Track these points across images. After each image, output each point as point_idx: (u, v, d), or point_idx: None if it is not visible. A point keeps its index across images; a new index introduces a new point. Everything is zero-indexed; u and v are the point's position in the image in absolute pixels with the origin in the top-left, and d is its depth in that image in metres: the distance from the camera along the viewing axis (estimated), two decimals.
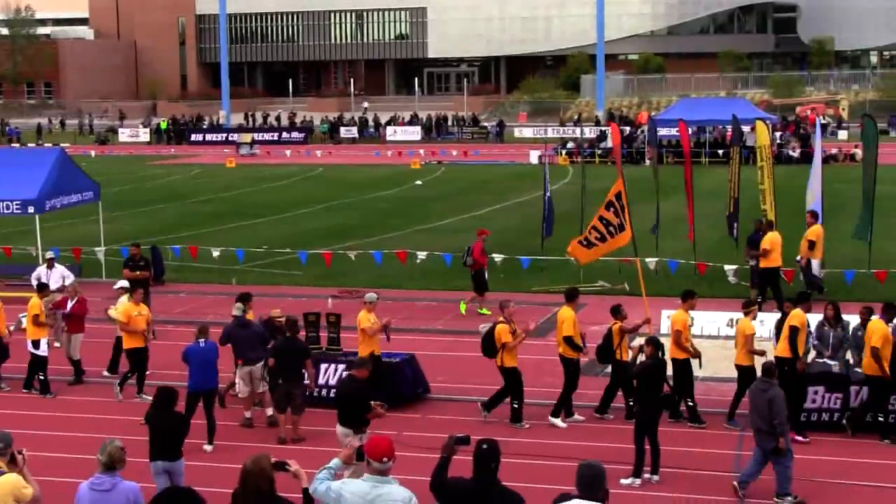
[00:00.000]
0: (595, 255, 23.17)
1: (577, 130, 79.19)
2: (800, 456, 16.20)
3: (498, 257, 31.25)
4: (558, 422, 18.92)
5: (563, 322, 19.08)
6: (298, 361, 18.37)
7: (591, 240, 22.36)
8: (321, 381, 20.20)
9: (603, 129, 74.77)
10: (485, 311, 27.18)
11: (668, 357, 18.79)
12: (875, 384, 17.93)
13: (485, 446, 10.09)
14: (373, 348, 19.45)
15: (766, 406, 15.47)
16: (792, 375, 17.88)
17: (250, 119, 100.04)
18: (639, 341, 18.45)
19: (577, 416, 19.23)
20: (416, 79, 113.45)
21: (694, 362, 18.89)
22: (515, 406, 18.88)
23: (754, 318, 18.92)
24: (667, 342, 19.04)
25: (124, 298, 21.59)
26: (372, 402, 15.28)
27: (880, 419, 17.98)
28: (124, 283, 23.04)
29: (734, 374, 19.24)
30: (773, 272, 26.97)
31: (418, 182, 57.20)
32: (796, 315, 18.45)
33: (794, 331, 18.27)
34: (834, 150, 64.28)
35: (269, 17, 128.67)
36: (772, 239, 27.12)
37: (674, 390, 18.83)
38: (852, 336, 19.14)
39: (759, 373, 16.39)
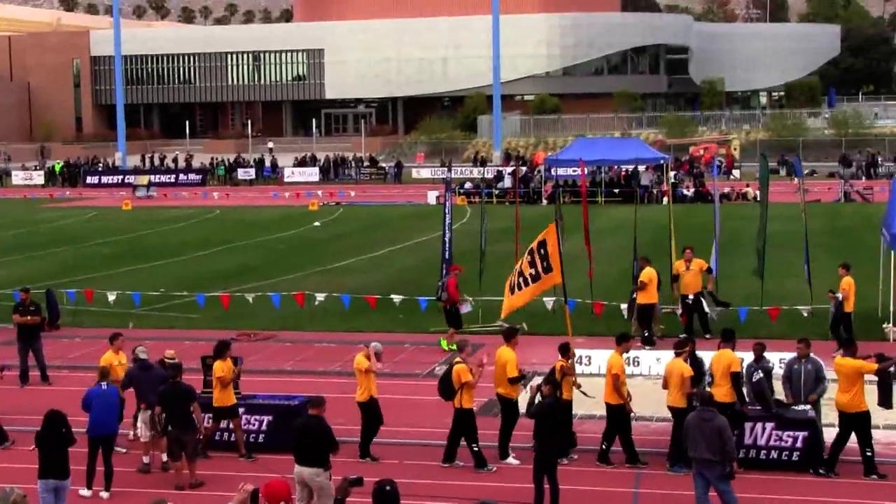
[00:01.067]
0: (517, 303, 21.45)
1: (475, 171, 79.65)
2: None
3: (396, 298, 31.30)
4: (511, 460, 18.97)
5: (506, 363, 19.10)
6: (185, 406, 18.15)
7: (516, 285, 21.00)
8: (222, 424, 19.99)
9: (500, 168, 75.32)
10: (445, 343, 27.36)
11: (602, 401, 18.89)
12: (859, 419, 18.11)
13: (387, 487, 10.08)
14: (371, 391, 19.34)
15: (716, 435, 15.66)
16: (733, 418, 17.66)
17: (147, 161, 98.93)
18: (536, 380, 18.61)
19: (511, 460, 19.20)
20: (314, 120, 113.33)
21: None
22: (475, 449, 18.79)
23: (686, 360, 18.71)
24: (590, 383, 19.28)
25: None
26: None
27: (868, 454, 18.16)
28: None
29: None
30: (650, 308, 27.56)
31: (316, 223, 57.03)
32: (733, 359, 18.68)
33: (736, 376, 18.50)
34: (727, 189, 65.46)
35: (165, 58, 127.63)
36: (650, 274, 27.65)
37: (606, 434, 18.91)
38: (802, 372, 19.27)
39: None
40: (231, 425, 19.60)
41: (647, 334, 27.26)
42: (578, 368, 23.65)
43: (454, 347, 26.75)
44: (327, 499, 15.20)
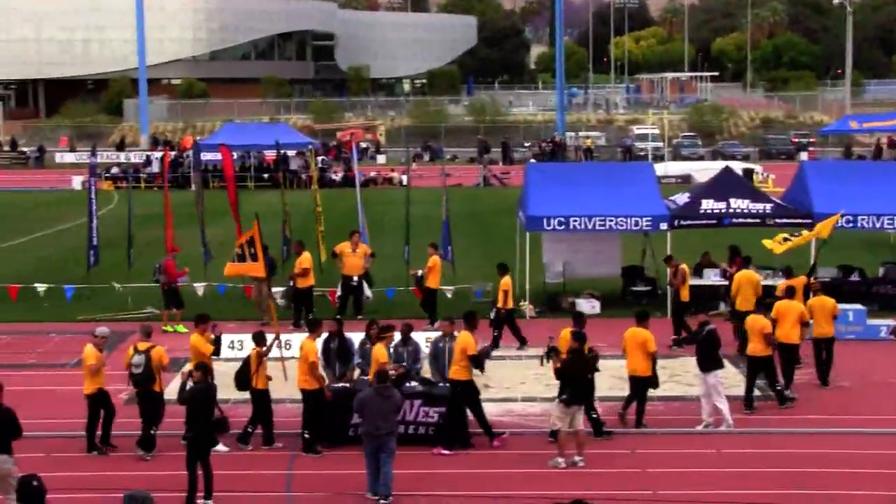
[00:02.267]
0: (238, 271, 23.99)
1: (122, 156, 77.69)
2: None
3: (41, 287, 30.29)
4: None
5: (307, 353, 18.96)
6: None
7: (244, 254, 22.84)
8: None
9: (148, 153, 73.83)
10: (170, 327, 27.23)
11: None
12: None
13: (34, 483, 9.87)
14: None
15: (394, 409, 16.86)
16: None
17: None
18: (188, 367, 18.50)
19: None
20: None
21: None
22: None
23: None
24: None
25: None
26: None
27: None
28: None
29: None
30: (309, 291, 28.15)
31: None
32: (468, 342, 19.24)
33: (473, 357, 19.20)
34: (373, 174, 66.82)
35: None
36: (309, 259, 28.16)
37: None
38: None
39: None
40: None
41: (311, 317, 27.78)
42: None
43: (179, 329, 26.82)
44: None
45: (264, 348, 19.30)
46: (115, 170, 67.80)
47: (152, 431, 18.52)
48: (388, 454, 16.69)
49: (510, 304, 25.63)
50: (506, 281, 25.65)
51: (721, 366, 20.17)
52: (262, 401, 19.04)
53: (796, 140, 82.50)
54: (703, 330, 20.12)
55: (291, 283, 28.39)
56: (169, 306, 27.95)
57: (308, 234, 33.04)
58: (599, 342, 21.26)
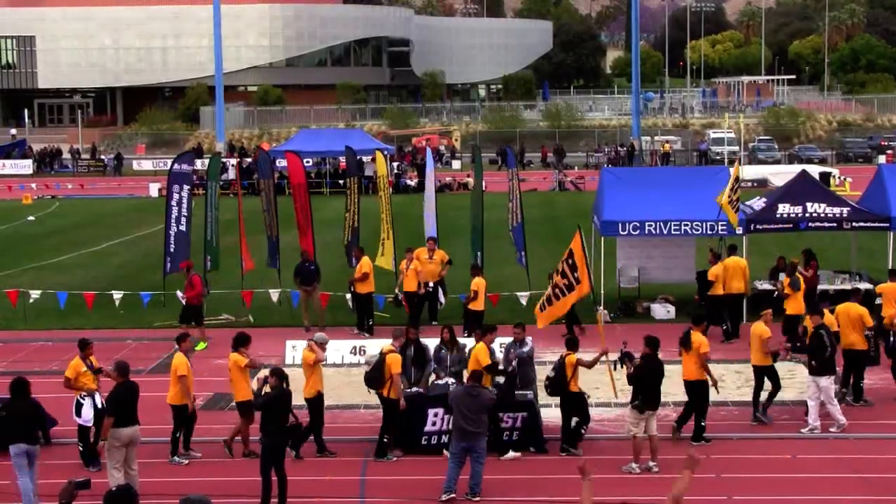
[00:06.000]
0: (550, 318, 21.30)
1: (199, 163, 78.30)
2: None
3: (117, 294, 30.60)
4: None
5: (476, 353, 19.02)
6: None
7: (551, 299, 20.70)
8: None
9: (224, 160, 74.42)
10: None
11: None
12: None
13: (114, 489, 9.98)
14: (318, 386, 19.00)
15: (484, 409, 17.04)
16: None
17: None
18: (263, 373, 18.58)
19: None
20: (26, 110, 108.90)
21: None
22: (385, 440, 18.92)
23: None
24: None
25: None
26: None
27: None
28: None
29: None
30: (368, 297, 28.34)
31: (30, 218, 54.98)
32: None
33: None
34: (448, 179, 66.85)
35: None
36: (369, 264, 28.33)
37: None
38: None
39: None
40: None
41: (370, 323, 27.85)
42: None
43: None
44: None
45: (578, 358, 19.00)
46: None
47: (385, 439, 18.83)
48: (478, 454, 16.92)
49: (481, 306, 25.93)
50: (477, 281, 25.98)
51: (835, 370, 19.93)
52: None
53: (883, 143, 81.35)
54: (820, 334, 19.78)
55: (351, 289, 28.48)
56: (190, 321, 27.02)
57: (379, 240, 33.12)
58: (674, 347, 21.03)
